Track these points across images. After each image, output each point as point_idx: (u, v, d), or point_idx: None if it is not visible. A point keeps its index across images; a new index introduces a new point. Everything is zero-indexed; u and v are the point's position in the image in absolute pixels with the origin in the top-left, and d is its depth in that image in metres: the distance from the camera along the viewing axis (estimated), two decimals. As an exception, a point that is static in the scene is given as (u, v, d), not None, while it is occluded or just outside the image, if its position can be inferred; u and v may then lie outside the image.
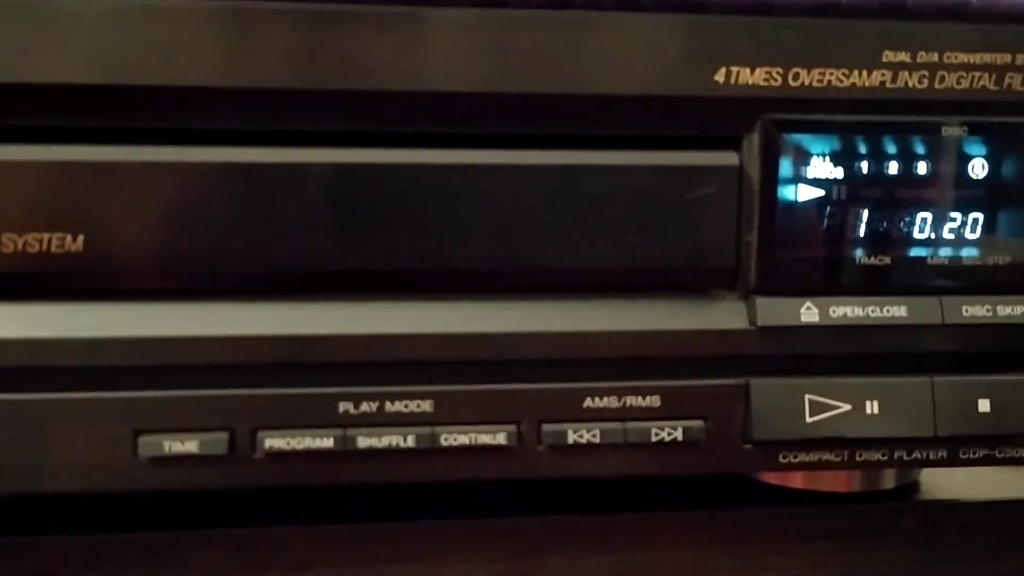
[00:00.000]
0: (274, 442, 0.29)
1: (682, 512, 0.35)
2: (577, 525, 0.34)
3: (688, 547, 0.35)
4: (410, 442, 0.30)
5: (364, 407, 0.30)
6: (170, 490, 0.29)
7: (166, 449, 0.29)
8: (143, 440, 0.29)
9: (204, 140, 0.28)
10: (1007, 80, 0.30)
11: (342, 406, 0.30)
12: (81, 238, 0.28)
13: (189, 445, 0.29)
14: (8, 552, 0.31)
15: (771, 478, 0.37)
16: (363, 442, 0.30)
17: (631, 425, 0.31)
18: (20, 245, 0.27)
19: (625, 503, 0.35)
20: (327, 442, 0.29)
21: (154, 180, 0.28)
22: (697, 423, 0.31)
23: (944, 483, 0.37)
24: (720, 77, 0.29)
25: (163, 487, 0.29)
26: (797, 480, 0.36)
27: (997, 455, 0.32)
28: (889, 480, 0.36)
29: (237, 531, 0.33)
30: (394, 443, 0.30)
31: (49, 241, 0.27)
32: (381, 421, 0.30)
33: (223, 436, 0.29)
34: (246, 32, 0.27)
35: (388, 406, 0.30)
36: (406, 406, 0.30)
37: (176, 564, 0.32)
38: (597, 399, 0.31)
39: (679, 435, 0.31)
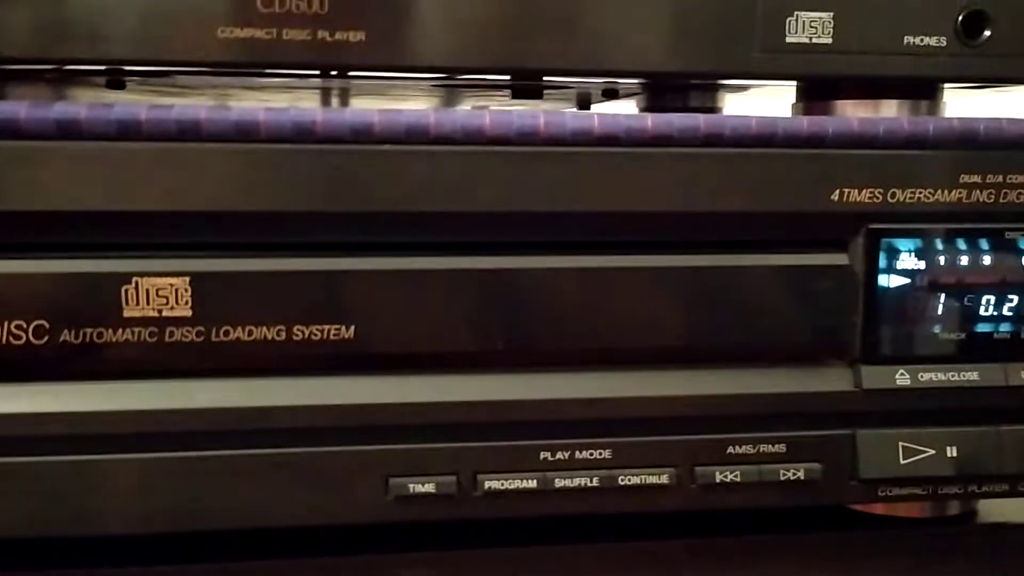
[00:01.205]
0: (491, 483, 0.37)
1: (781, 535, 0.43)
2: (708, 547, 0.42)
3: (788, 566, 0.43)
4: (595, 482, 0.38)
5: (559, 455, 0.38)
6: (407, 521, 0.37)
7: (410, 490, 0.37)
8: (392, 482, 0.37)
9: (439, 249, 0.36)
10: (1054, 195, 0.39)
11: (542, 455, 0.38)
12: (353, 328, 0.36)
13: (428, 487, 0.37)
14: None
15: (857, 506, 0.45)
16: (559, 483, 0.38)
17: (764, 467, 0.39)
18: (310, 334, 0.35)
19: (742, 529, 0.43)
20: (531, 483, 0.38)
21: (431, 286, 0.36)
22: (815, 465, 0.39)
23: (997, 510, 0.46)
24: (835, 196, 0.38)
25: (403, 519, 0.37)
26: (879, 508, 0.45)
27: (1047, 487, 0.41)
28: (954, 507, 0.45)
29: (430, 554, 0.41)
30: (583, 483, 0.38)
31: (327, 331, 0.36)
32: (572, 466, 0.38)
33: (452, 479, 0.37)
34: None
35: (577, 454, 0.38)
36: (591, 454, 0.38)
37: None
38: (738, 447, 0.39)
39: (801, 475, 0.39)
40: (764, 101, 0.56)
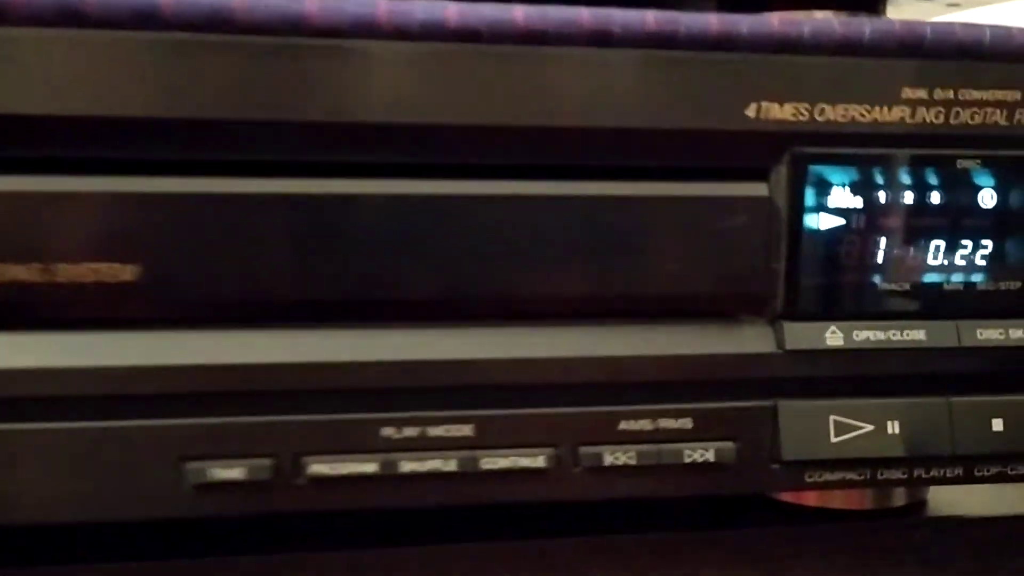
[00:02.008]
0: (317, 468, 0.30)
1: (705, 532, 0.36)
2: (606, 546, 0.35)
3: (712, 566, 0.36)
4: (452, 466, 0.30)
5: (406, 432, 0.30)
6: (214, 516, 0.30)
7: (211, 476, 0.29)
8: (188, 467, 0.29)
9: (255, 170, 0.29)
10: (1017, 116, 0.32)
11: (384, 431, 0.30)
12: (135, 268, 0.28)
13: (234, 472, 0.29)
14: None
15: (786, 496, 0.38)
16: (405, 466, 0.30)
17: (664, 447, 0.31)
18: (72, 275, 0.27)
19: (650, 524, 0.36)
20: (370, 467, 0.30)
21: (204, 210, 0.28)
22: (728, 444, 0.32)
23: (949, 500, 0.39)
24: (751, 112, 0.30)
25: (208, 514, 0.29)
26: (811, 498, 0.37)
27: (1010, 472, 0.34)
28: (900, 497, 0.38)
29: (263, 557, 0.33)
30: (436, 467, 0.30)
31: (103, 271, 0.28)
32: (423, 446, 0.30)
33: (267, 462, 0.29)
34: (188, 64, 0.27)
35: (430, 431, 0.30)
36: (448, 431, 0.30)
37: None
38: (632, 422, 0.31)
39: (711, 456, 0.32)
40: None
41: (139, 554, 0.32)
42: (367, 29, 0.28)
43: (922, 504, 0.38)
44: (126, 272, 0.28)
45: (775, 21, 0.31)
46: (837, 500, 0.37)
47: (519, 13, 0.29)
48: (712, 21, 0.30)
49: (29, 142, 0.27)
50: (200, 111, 0.27)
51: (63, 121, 0.27)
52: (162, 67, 0.27)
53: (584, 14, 0.30)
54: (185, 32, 0.27)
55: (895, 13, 0.38)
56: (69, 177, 0.28)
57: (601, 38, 0.30)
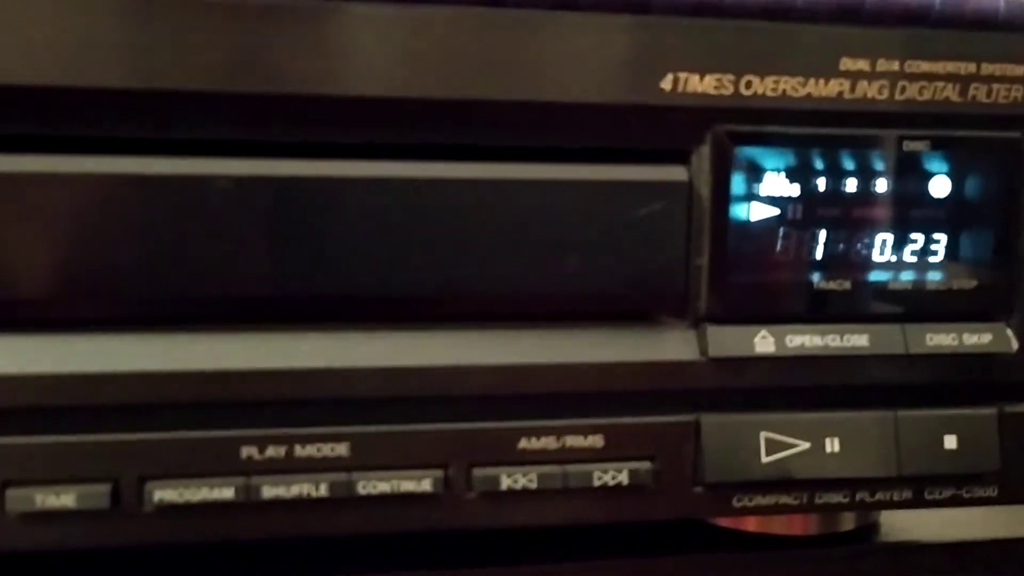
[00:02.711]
0: (164, 494, 0.25)
1: (631, 559, 0.32)
2: (514, 577, 0.31)
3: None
4: (323, 491, 0.26)
5: (270, 452, 0.26)
6: (41, 550, 0.26)
7: (38, 503, 0.25)
8: (11, 494, 0.25)
9: (85, 149, 0.25)
10: (971, 91, 0.28)
11: (245, 451, 0.26)
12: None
13: (65, 499, 0.25)
14: None
15: (724, 521, 0.34)
16: (269, 491, 0.26)
17: (571, 468, 0.28)
18: None
19: (570, 549, 0.32)
20: (227, 492, 0.26)
21: (40, 192, 0.24)
22: (644, 465, 0.28)
23: (903, 523, 0.35)
24: (667, 84, 0.27)
25: (34, 547, 0.25)
26: (751, 523, 0.34)
27: (965, 495, 0.30)
28: (848, 521, 0.34)
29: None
30: (305, 492, 0.26)
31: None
32: (290, 468, 0.26)
33: (105, 488, 0.25)
34: (140, 27, 0.24)
35: (298, 450, 0.26)
36: (319, 450, 0.26)
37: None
38: (534, 439, 0.28)
39: (624, 478, 0.28)
40: None
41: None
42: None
43: (873, 528, 0.35)
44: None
45: (696, -18, 0.27)
46: (778, 525, 0.33)
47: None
48: (624, -16, 0.26)
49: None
50: (171, 82, 0.24)
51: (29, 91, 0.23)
52: (128, 32, 0.23)
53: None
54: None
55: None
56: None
57: (494, -2, 0.26)
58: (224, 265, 0.25)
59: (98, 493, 0.25)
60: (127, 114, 0.25)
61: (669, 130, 0.27)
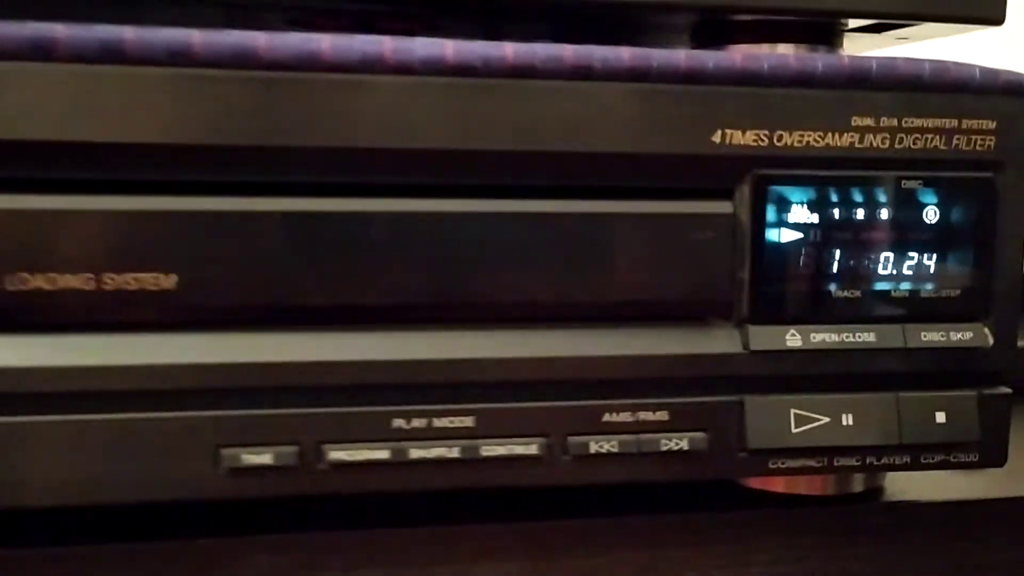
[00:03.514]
0: (336, 454, 0.33)
1: (681, 515, 0.40)
2: (588, 528, 0.39)
3: (686, 547, 0.40)
4: (455, 453, 0.34)
5: (415, 423, 0.34)
6: (246, 498, 0.33)
7: (244, 461, 0.33)
8: (224, 452, 0.33)
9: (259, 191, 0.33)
10: (955, 141, 0.36)
11: (395, 422, 0.34)
12: (174, 278, 0.32)
13: (264, 457, 0.33)
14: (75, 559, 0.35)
15: (755, 483, 0.41)
16: (414, 453, 0.34)
17: (643, 437, 0.35)
18: (119, 283, 0.31)
19: (629, 508, 0.40)
20: (383, 454, 0.34)
21: (232, 226, 0.32)
22: (699, 435, 0.36)
23: (904, 487, 0.43)
24: (717, 138, 0.34)
25: (238, 495, 0.33)
26: (778, 485, 0.41)
27: (951, 460, 0.38)
28: (859, 484, 0.42)
29: (285, 536, 0.37)
30: (441, 454, 0.34)
31: (144, 280, 0.32)
32: (430, 435, 0.34)
33: (293, 449, 0.33)
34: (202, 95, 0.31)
35: (435, 422, 0.34)
36: (451, 422, 0.34)
37: (229, 568, 0.36)
38: (615, 414, 0.35)
39: (684, 445, 0.36)
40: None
41: (173, 534, 0.36)
42: (374, 65, 0.32)
43: (879, 490, 0.42)
44: (167, 281, 0.32)
45: (738, 57, 0.35)
46: (802, 486, 0.41)
47: (509, 50, 0.33)
48: (681, 57, 0.34)
49: (89, 167, 0.31)
50: (224, 138, 0.32)
51: (119, 148, 0.31)
52: (193, 99, 0.31)
53: (567, 51, 0.34)
54: (212, 68, 0.31)
55: (851, 46, 0.42)
56: (117, 197, 0.32)
57: (583, 72, 0.34)
58: (381, 277, 0.33)
59: (288, 453, 0.33)
60: (197, 164, 0.32)
61: (718, 174, 0.35)
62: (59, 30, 0.30)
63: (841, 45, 0.41)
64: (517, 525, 0.38)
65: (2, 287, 0.31)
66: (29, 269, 0.31)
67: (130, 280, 0.32)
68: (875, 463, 0.37)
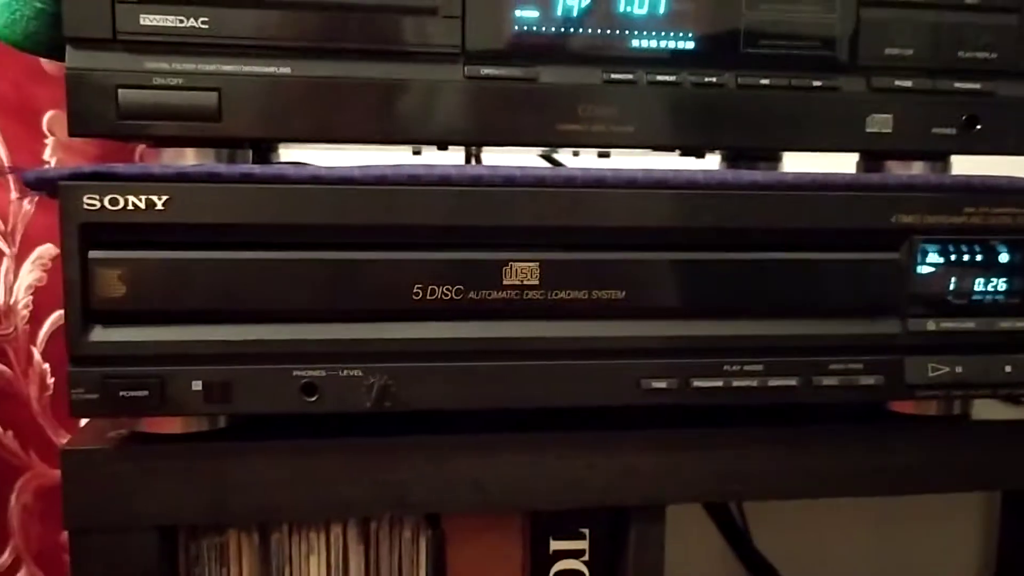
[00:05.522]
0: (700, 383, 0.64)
1: (832, 424, 0.70)
2: (771, 434, 0.70)
3: (858, 442, 0.70)
4: (792, 382, 0.65)
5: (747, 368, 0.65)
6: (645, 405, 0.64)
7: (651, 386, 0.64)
8: (643, 382, 0.64)
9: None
10: (1018, 220, 0.67)
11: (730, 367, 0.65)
12: (623, 292, 0.63)
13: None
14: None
15: (897, 407, 0.72)
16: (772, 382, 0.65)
17: (851, 377, 0.66)
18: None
19: (796, 420, 0.70)
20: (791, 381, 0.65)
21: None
22: (880, 377, 0.66)
23: (982, 412, 0.74)
24: (894, 219, 0.65)
25: (646, 403, 0.64)
26: (908, 408, 0.72)
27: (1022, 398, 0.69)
28: (956, 408, 0.72)
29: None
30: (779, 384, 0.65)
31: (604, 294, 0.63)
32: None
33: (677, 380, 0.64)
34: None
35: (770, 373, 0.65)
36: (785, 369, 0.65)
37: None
38: (836, 366, 0.66)
39: (872, 382, 0.66)
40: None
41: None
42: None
43: (967, 415, 0.73)
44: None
45: (905, 176, 0.66)
46: (921, 409, 0.72)
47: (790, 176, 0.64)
48: (875, 176, 0.65)
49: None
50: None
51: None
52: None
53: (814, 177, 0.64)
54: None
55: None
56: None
57: (823, 186, 0.64)
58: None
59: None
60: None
61: (893, 238, 0.66)
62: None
63: (951, 161, 0.72)
64: (713, 430, 0.69)
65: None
66: (568, 289, 0.62)
67: (605, 294, 0.62)
68: (971, 394, 0.68)
